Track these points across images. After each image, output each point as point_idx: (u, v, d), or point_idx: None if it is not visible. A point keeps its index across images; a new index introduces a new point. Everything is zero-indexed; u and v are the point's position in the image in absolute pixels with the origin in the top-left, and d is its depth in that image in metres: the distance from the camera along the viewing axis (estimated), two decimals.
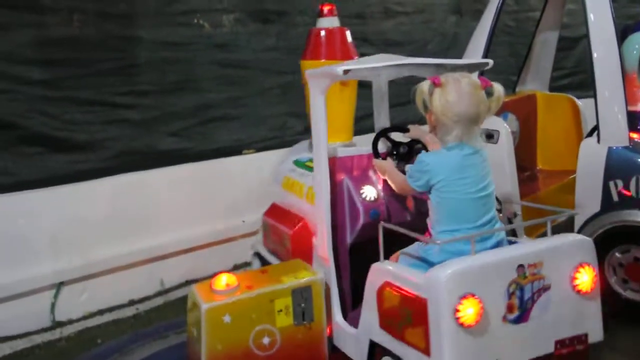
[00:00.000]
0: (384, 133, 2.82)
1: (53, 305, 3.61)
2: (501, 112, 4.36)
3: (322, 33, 3.12)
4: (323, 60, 3.07)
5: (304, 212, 3.01)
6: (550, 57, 4.72)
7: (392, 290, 2.25)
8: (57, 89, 3.76)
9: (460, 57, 4.27)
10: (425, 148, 2.71)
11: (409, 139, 2.81)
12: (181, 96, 4.31)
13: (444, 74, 2.38)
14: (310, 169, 2.98)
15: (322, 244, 2.72)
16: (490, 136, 3.75)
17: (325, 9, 3.15)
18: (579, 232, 3.57)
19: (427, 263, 2.31)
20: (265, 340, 2.62)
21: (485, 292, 2.11)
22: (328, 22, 3.14)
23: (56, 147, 3.78)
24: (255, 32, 4.68)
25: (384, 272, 2.33)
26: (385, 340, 2.33)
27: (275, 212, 3.29)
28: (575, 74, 6.60)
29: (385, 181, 2.74)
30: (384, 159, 2.78)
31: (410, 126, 2.79)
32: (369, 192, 2.75)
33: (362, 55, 5.34)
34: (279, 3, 4.80)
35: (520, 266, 2.21)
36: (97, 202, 3.79)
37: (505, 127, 3.75)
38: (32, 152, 3.70)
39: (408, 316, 2.17)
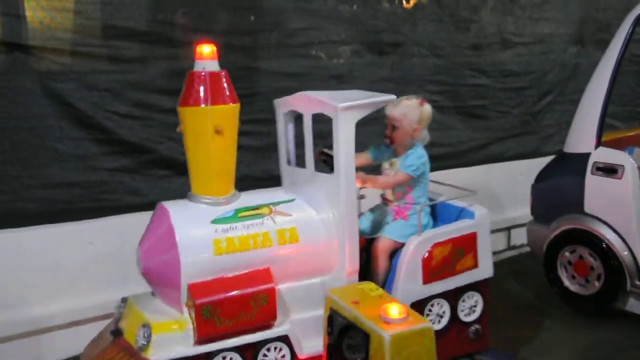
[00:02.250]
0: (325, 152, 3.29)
1: None
2: (626, 146, 4.14)
3: (202, 76, 2.77)
4: (203, 106, 2.75)
5: (272, 260, 2.82)
6: None
7: (442, 245, 3.05)
8: None
9: (582, 87, 4.13)
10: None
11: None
12: (298, 125, 4.47)
13: (412, 95, 3.29)
14: (256, 216, 2.85)
15: (352, 260, 2.96)
16: (613, 171, 3.58)
17: (204, 50, 2.75)
18: None
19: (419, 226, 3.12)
20: None
21: None
22: (210, 65, 2.79)
23: (180, 171, 4.03)
24: (371, 63, 4.78)
25: (429, 239, 3.06)
26: (433, 289, 3.05)
27: (211, 287, 2.71)
28: None
29: None
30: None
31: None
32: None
33: (477, 86, 5.31)
34: (395, 35, 4.88)
35: None
36: None
37: (631, 162, 3.58)
38: (160, 175, 3.99)
39: (459, 253, 3.10)
